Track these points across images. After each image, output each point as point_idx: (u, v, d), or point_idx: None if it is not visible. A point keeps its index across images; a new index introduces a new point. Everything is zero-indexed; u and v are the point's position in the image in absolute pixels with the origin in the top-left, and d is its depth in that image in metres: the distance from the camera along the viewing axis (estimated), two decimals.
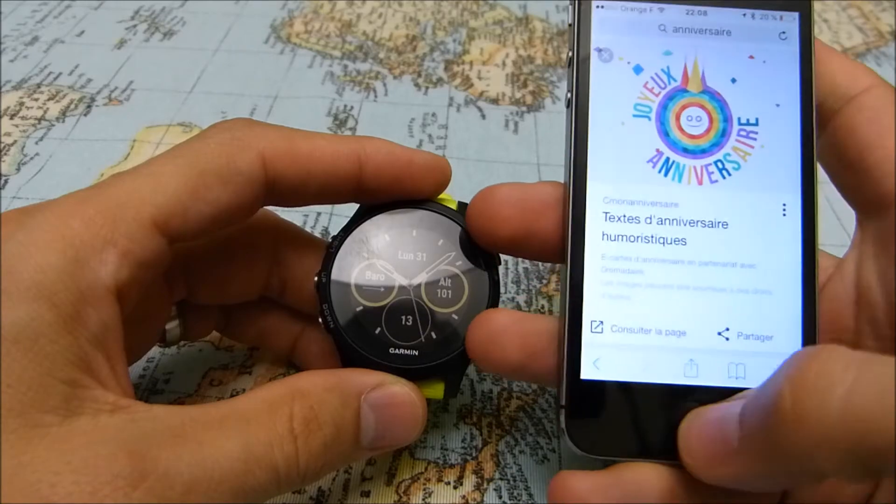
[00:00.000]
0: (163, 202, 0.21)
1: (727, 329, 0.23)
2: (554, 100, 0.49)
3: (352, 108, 0.48)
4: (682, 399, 0.23)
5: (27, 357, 0.18)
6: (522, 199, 0.25)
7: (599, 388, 0.23)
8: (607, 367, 0.23)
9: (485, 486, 0.28)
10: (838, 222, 0.40)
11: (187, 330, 0.29)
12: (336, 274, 0.26)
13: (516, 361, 0.24)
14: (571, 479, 0.22)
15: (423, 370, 0.25)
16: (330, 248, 0.26)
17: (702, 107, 0.24)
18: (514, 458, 0.29)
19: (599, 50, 0.25)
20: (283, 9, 0.59)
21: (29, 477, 0.17)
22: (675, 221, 0.24)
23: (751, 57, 0.25)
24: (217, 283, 0.28)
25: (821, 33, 0.58)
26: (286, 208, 0.27)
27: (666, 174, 0.24)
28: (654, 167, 0.24)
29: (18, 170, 0.42)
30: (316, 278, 0.26)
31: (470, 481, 0.28)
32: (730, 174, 0.24)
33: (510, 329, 0.24)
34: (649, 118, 0.24)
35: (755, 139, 0.24)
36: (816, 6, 0.62)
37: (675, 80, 0.25)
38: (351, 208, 0.27)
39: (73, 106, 0.47)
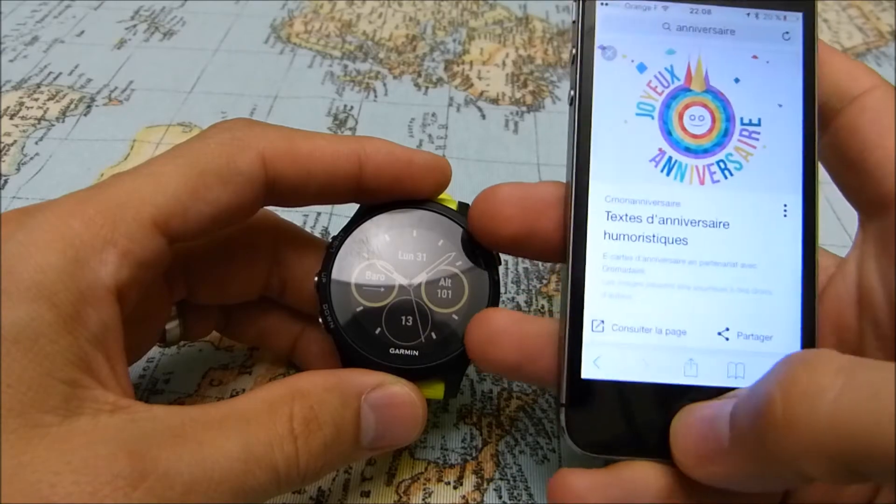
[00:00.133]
0: (163, 202, 0.21)
1: (727, 329, 0.23)
2: (554, 100, 0.49)
3: (352, 108, 0.48)
4: (681, 398, 0.23)
5: (27, 357, 0.18)
6: (524, 198, 0.25)
7: (600, 386, 0.23)
8: (608, 366, 0.23)
9: (485, 486, 0.28)
10: (839, 222, 0.40)
11: (187, 330, 0.29)
12: (336, 274, 0.26)
13: (514, 362, 0.24)
14: (571, 477, 0.22)
15: (423, 370, 0.25)
16: (330, 248, 0.26)
17: (705, 106, 0.24)
18: (514, 458, 0.29)
19: (603, 48, 0.24)
20: (283, 9, 0.58)
21: (29, 477, 0.17)
22: (676, 221, 0.24)
23: (754, 57, 0.25)
24: (217, 283, 0.28)
25: (821, 33, 0.58)
26: (286, 208, 0.27)
27: (668, 173, 0.24)
28: (656, 166, 0.24)
29: (18, 170, 0.42)
30: (316, 278, 0.26)
31: (470, 481, 0.28)
32: (732, 174, 0.24)
33: (508, 330, 0.24)
34: (652, 117, 0.24)
35: (757, 139, 0.24)
36: (817, 6, 0.62)
37: (678, 79, 0.25)
38: (351, 208, 0.27)
39: (73, 106, 0.47)
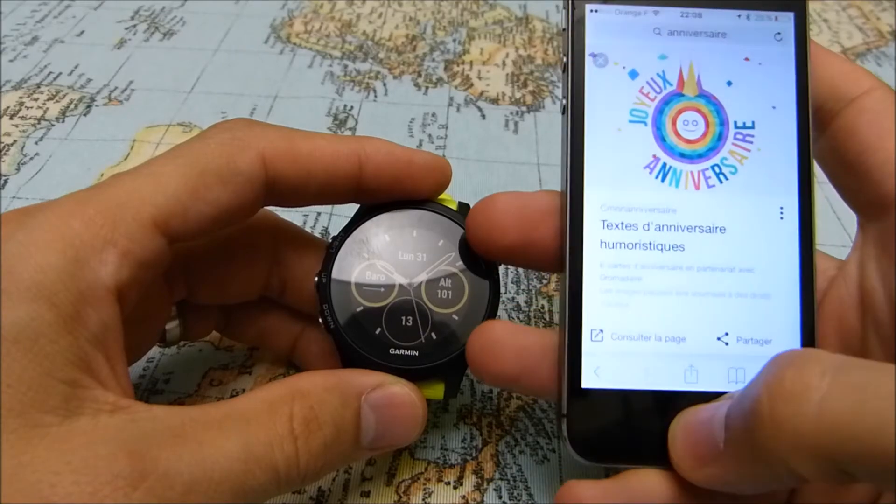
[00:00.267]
0: (163, 202, 0.21)
1: (726, 334, 0.23)
2: (554, 100, 0.49)
3: (352, 108, 0.48)
4: (683, 405, 0.23)
5: (27, 357, 0.18)
6: (521, 208, 0.24)
7: (600, 395, 0.23)
8: (608, 375, 0.23)
9: (485, 486, 0.28)
10: (839, 222, 0.40)
11: (187, 330, 0.29)
12: (336, 274, 0.26)
13: (511, 374, 0.24)
14: (578, 487, 0.22)
15: (423, 370, 0.25)
16: (330, 248, 0.26)
17: (698, 111, 0.24)
18: (514, 459, 0.29)
19: (594, 55, 0.24)
20: (283, 9, 0.59)
21: (29, 477, 0.17)
22: (672, 227, 0.24)
23: (746, 59, 0.25)
24: (217, 283, 0.28)
25: (821, 33, 0.58)
26: (286, 208, 0.27)
27: (663, 180, 0.24)
28: (651, 173, 0.24)
29: (18, 170, 0.42)
30: (316, 278, 0.26)
31: (470, 481, 0.28)
32: (727, 178, 0.24)
33: (506, 341, 0.24)
34: (645, 123, 0.24)
35: (752, 142, 0.24)
36: (816, 6, 0.62)
37: (670, 85, 0.24)
38: (351, 208, 0.27)
39: (72, 106, 0.47)
